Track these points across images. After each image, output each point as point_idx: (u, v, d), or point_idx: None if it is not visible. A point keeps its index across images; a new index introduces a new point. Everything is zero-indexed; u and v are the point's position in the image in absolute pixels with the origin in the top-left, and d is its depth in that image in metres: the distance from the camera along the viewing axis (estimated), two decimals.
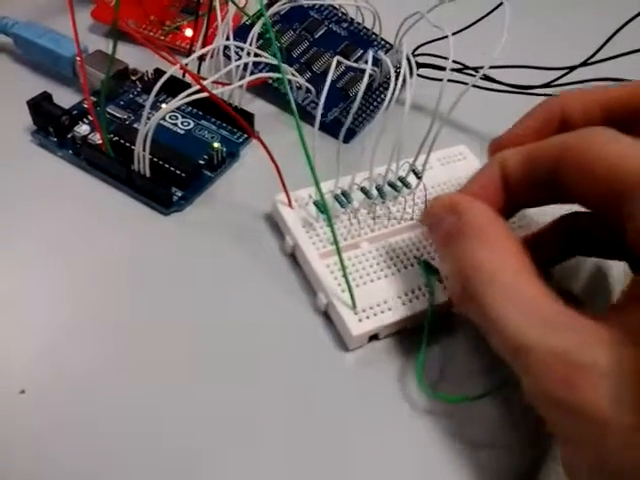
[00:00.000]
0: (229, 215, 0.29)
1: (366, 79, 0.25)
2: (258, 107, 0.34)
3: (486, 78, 0.33)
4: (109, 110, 0.32)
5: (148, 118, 0.26)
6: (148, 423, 0.22)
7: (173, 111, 0.33)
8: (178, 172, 0.29)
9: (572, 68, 0.33)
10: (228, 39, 0.31)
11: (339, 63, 0.32)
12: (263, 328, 0.25)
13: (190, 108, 0.33)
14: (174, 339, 0.25)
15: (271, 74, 0.31)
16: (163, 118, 0.32)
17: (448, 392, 0.24)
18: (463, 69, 0.34)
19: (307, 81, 0.33)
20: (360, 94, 0.25)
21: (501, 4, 0.27)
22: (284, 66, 0.30)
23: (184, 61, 0.27)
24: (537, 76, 0.33)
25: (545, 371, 0.18)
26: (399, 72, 0.26)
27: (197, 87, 0.26)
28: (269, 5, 0.35)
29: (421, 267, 0.26)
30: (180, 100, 0.26)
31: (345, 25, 0.37)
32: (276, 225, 0.28)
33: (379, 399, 0.24)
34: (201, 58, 0.33)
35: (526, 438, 0.23)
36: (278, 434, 0.23)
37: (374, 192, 0.28)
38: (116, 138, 0.30)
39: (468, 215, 0.22)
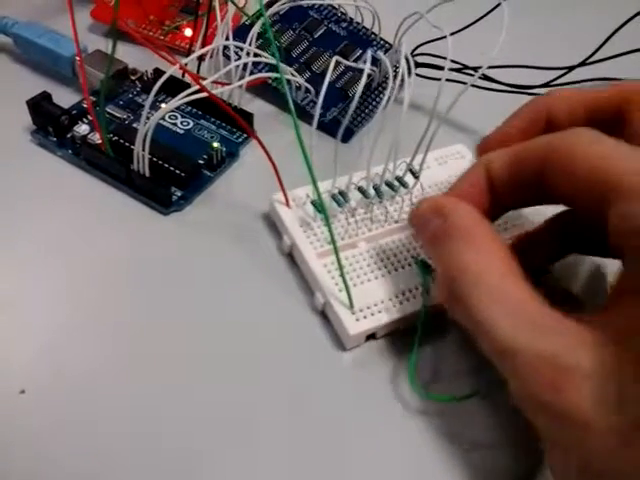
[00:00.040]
0: (228, 215, 0.29)
1: (364, 79, 0.25)
2: (257, 107, 0.34)
3: (485, 78, 0.34)
4: (108, 110, 0.32)
5: (147, 118, 0.26)
6: (147, 423, 0.22)
7: (172, 111, 0.33)
8: (177, 172, 0.29)
9: (571, 68, 0.33)
10: (228, 39, 0.31)
11: (338, 63, 0.32)
12: (261, 327, 0.25)
13: (189, 108, 0.33)
14: (173, 339, 0.25)
15: (270, 74, 0.31)
16: (162, 118, 0.32)
17: (441, 392, 0.24)
18: (462, 69, 0.34)
19: (306, 81, 0.33)
20: (358, 94, 0.25)
21: (499, 4, 0.27)
22: (283, 66, 0.30)
23: (183, 61, 0.27)
24: (536, 76, 0.33)
25: (531, 374, 0.18)
26: (398, 72, 0.26)
27: (196, 87, 0.26)
28: (269, 5, 0.35)
29: (418, 266, 0.26)
30: (179, 100, 0.26)
31: (344, 25, 0.38)
32: (274, 224, 0.29)
33: (377, 398, 0.24)
34: (200, 58, 0.33)
35: (521, 438, 0.23)
36: (275, 433, 0.23)
37: (371, 192, 0.28)
38: (115, 138, 0.30)
39: (454, 217, 0.22)
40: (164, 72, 0.27)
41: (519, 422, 0.20)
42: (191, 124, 0.32)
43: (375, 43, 0.38)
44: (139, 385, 0.23)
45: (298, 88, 0.33)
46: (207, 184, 0.30)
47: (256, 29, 0.31)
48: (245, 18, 0.36)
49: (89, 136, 0.30)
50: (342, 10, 0.38)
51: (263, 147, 0.27)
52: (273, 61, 0.24)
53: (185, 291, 0.26)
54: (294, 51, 0.35)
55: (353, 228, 0.27)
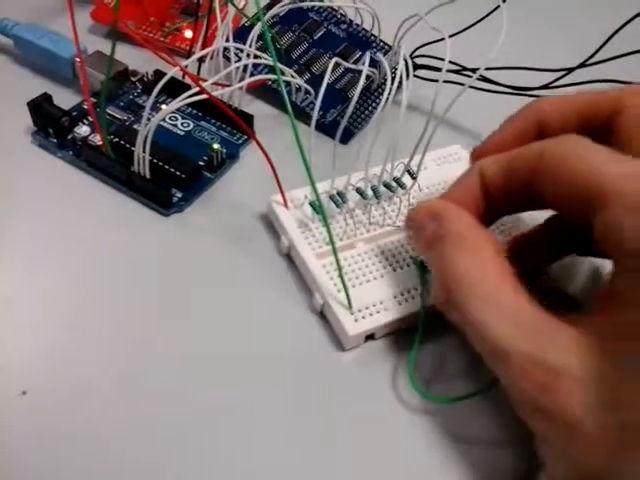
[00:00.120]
0: (228, 216, 0.29)
1: (362, 80, 0.25)
2: (258, 108, 0.34)
3: (484, 79, 0.34)
4: (109, 111, 0.32)
5: (148, 119, 0.27)
6: (147, 423, 0.22)
7: (173, 112, 0.33)
8: (178, 173, 0.30)
9: (570, 70, 0.33)
10: (228, 40, 0.31)
11: (337, 64, 0.32)
12: (259, 328, 0.25)
13: (190, 109, 0.33)
14: (172, 339, 0.25)
15: (270, 75, 0.31)
16: (163, 119, 0.32)
17: (440, 391, 0.24)
18: (461, 70, 0.34)
19: (306, 82, 0.33)
20: (356, 95, 0.25)
21: (498, 6, 0.27)
22: (283, 67, 0.30)
23: (184, 62, 0.27)
24: (535, 77, 0.33)
25: (522, 376, 0.19)
26: (396, 73, 0.26)
27: (197, 89, 0.26)
28: (269, 7, 0.35)
29: (417, 267, 0.26)
30: (180, 102, 0.26)
31: (344, 27, 0.38)
32: (272, 225, 0.29)
33: (375, 398, 0.24)
34: (201, 59, 0.33)
35: (520, 436, 0.23)
36: (274, 434, 0.23)
37: (369, 192, 0.28)
38: (116, 139, 0.30)
39: (448, 222, 0.22)
40: (164, 73, 0.27)
41: (518, 420, 0.20)
42: (191, 125, 0.33)
43: (374, 45, 0.38)
44: (139, 385, 0.23)
45: (298, 89, 0.33)
46: (207, 185, 0.30)
47: (256, 31, 0.31)
48: (245, 20, 0.36)
49: (90, 137, 0.30)
50: (342, 12, 0.38)
51: (262, 148, 0.27)
52: (272, 62, 0.24)
53: (185, 292, 0.26)
54: (294, 53, 0.36)
55: (351, 229, 0.27)
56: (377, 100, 0.35)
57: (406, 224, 0.25)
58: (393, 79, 0.26)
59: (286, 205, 0.28)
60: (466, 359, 0.25)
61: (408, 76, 0.27)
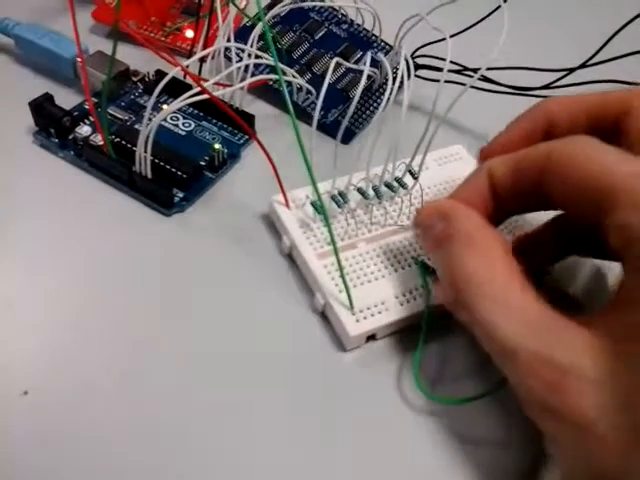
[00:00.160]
0: (229, 216, 0.29)
1: (364, 80, 0.25)
2: (259, 108, 0.34)
3: (485, 79, 0.34)
4: (110, 111, 0.32)
5: (149, 119, 0.27)
6: (147, 423, 0.22)
7: (174, 112, 0.33)
8: (179, 173, 0.30)
9: (571, 70, 0.33)
10: (229, 40, 0.31)
11: (338, 64, 0.32)
12: (260, 328, 0.25)
13: (191, 109, 0.33)
14: (174, 339, 0.25)
15: (271, 75, 0.31)
16: (164, 119, 0.32)
17: (444, 392, 0.24)
18: (462, 70, 0.34)
19: (308, 82, 0.33)
20: (357, 95, 0.25)
21: (499, 6, 0.27)
22: (284, 67, 0.30)
23: (185, 62, 0.27)
24: (536, 77, 0.33)
25: (531, 375, 0.19)
26: (397, 73, 0.26)
27: (198, 89, 0.26)
28: (270, 7, 0.35)
29: (418, 267, 0.26)
30: (181, 102, 0.26)
31: (345, 27, 0.38)
32: (274, 225, 0.29)
33: (376, 399, 0.24)
34: (202, 59, 0.33)
35: (525, 437, 0.23)
36: (276, 433, 0.23)
37: (371, 192, 0.28)
38: (117, 139, 0.30)
39: (457, 221, 0.22)
40: (166, 73, 0.27)
41: (526, 420, 0.20)
42: (193, 125, 0.33)
43: (376, 45, 0.38)
44: (141, 385, 0.23)
45: (299, 89, 0.33)
46: (208, 185, 0.30)
47: (257, 31, 0.31)
48: (246, 20, 0.36)
49: (91, 137, 0.30)
50: (343, 12, 0.38)
51: (263, 148, 0.27)
52: (273, 62, 0.24)
53: (186, 292, 0.26)
54: (295, 53, 0.36)
55: (353, 229, 0.27)
56: (378, 100, 0.35)
57: (413, 223, 0.25)
58: (394, 79, 0.26)
59: (287, 205, 0.28)
60: (469, 359, 0.25)
61: (409, 76, 0.27)
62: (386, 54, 0.37)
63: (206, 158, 0.31)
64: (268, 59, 0.31)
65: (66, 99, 0.32)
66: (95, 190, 0.30)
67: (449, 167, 0.31)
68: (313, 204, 0.27)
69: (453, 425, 0.23)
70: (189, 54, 0.35)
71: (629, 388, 0.17)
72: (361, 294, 0.25)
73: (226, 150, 0.31)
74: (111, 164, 0.29)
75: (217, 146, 0.31)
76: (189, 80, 0.33)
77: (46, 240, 0.27)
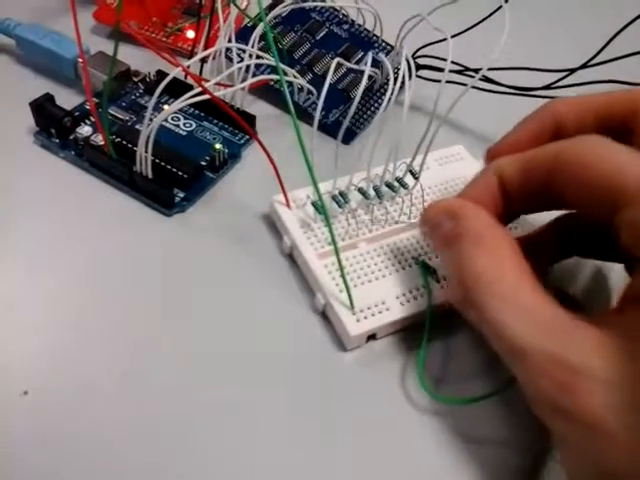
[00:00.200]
0: (230, 216, 0.29)
1: (365, 80, 0.25)
2: (260, 108, 0.34)
3: (486, 79, 0.34)
4: (111, 111, 0.32)
5: (150, 119, 0.27)
6: (148, 423, 0.22)
7: (175, 112, 0.33)
8: (180, 173, 0.30)
9: (572, 70, 0.33)
10: (230, 41, 0.31)
11: (339, 65, 0.32)
12: (261, 328, 0.25)
13: (192, 109, 0.33)
14: (174, 338, 0.25)
15: (272, 76, 0.31)
16: (165, 119, 0.32)
17: (448, 391, 0.24)
18: (463, 71, 0.34)
19: (309, 83, 0.33)
20: (358, 95, 0.25)
21: (501, 6, 0.27)
22: (286, 68, 0.30)
23: (186, 63, 0.27)
24: (538, 78, 0.33)
25: (542, 375, 0.18)
26: (399, 74, 0.26)
27: (199, 89, 0.26)
28: (271, 7, 0.35)
29: (419, 267, 0.26)
30: (182, 102, 0.26)
31: (346, 27, 0.38)
32: (275, 225, 0.29)
33: (377, 399, 0.24)
34: (203, 60, 0.33)
35: (529, 436, 0.23)
36: (276, 434, 0.23)
37: (372, 192, 0.28)
38: (118, 139, 0.30)
39: (466, 220, 0.22)
40: (167, 74, 0.27)
41: (529, 420, 0.20)
42: (193, 126, 0.33)
43: (377, 45, 0.38)
44: (142, 385, 0.23)
45: (300, 90, 0.33)
46: (209, 185, 0.30)
47: (258, 31, 0.31)
48: (247, 20, 0.36)
49: (92, 137, 0.30)
50: (344, 12, 0.38)
51: (264, 148, 0.27)
52: (274, 63, 0.24)
53: (187, 292, 0.26)
54: (296, 53, 0.36)
55: (353, 229, 0.27)
56: (379, 100, 0.35)
57: (421, 222, 0.25)
58: (395, 79, 0.26)
59: (288, 205, 0.28)
60: (472, 359, 0.25)
61: (410, 76, 0.27)
62: (387, 54, 0.37)
63: (207, 158, 0.31)
64: (269, 59, 0.31)
65: (67, 99, 0.32)
66: (96, 190, 0.30)
67: (450, 167, 0.31)
68: (314, 204, 0.27)
69: (457, 424, 0.23)
70: (190, 54, 0.35)
71: (634, 386, 0.17)
72: (362, 294, 0.25)
73: (227, 150, 0.31)
74: (112, 164, 0.29)
75: (218, 146, 0.31)
76: (190, 80, 0.33)
77: (47, 240, 0.27)
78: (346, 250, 0.27)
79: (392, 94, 0.26)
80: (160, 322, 0.25)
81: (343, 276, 0.25)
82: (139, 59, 0.34)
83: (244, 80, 0.30)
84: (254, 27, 0.32)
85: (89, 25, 0.38)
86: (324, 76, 0.34)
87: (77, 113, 0.32)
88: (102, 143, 0.30)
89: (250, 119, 0.32)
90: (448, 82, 0.27)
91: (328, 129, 0.33)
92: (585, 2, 0.45)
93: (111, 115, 0.32)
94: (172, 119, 0.33)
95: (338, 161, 0.26)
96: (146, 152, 0.27)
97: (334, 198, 0.27)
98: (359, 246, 0.27)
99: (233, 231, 0.29)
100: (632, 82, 0.32)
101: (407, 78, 0.27)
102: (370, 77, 0.34)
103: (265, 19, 0.25)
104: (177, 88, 0.30)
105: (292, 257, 0.28)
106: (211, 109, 0.33)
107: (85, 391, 0.23)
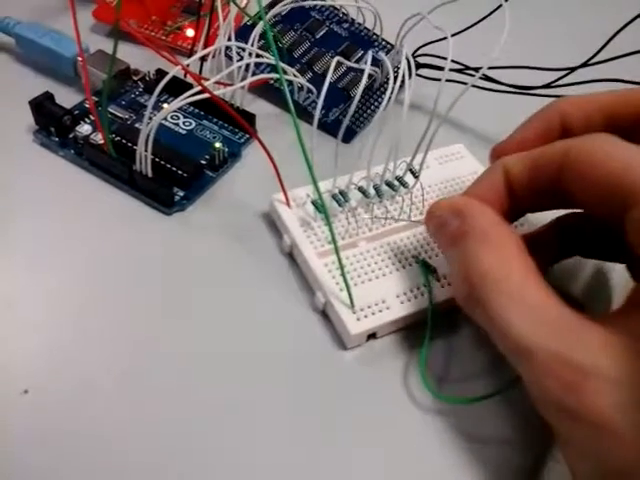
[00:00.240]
0: (230, 215, 0.29)
1: (364, 79, 0.25)
2: (260, 107, 0.34)
3: (486, 78, 0.34)
4: (111, 110, 0.32)
5: (150, 118, 0.26)
6: (149, 422, 0.22)
7: (175, 111, 0.33)
8: (180, 172, 0.29)
9: (573, 69, 0.33)
10: (230, 39, 0.31)
11: (339, 63, 0.32)
12: (261, 327, 0.25)
13: (192, 108, 0.33)
14: (175, 338, 0.25)
15: (272, 75, 0.31)
16: (165, 118, 0.32)
17: (450, 390, 0.24)
18: (463, 69, 0.34)
19: (308, 81, 0.33)
20: (358, 94, 0.25)
21: (501, 5, 0.27)
22: (285, 66, 0.30)
23: (186, 61, 0.27)
24: (538, 76, 0.33)
25: (548, 374, 0.18)
26: (399, 72, 0.26)
27: (199, 88, 0.26)
28: (271, 6, 0.35)
29: (420, 266, 0.26)
30: (182, 101, 0.26)
31: (346, 26, 0.38)
32: (275, 224, 0.29)
33: (378, 398, 0.24)
34: (203, 58, 0.33)
35: (532, 436, 0.23)
36: (276, 433, 0.23)
37: (372, 191, 0.28)
38: (118, 138, 0.30)
39: (472, 218, 0.22)
40: (166, 72, 0.27)
41: (531, 419, 0.20)
42: (193, 124, 0.33)
43: (377, 44, 0.38)
44: (142, 384, 0.23)
45: (300, 88, 0.33)
46: (209, 184, 0.30)
47: (258, 30, 0.31)
48: (247, 18, 0.36)
49: (91, 136, 0.30)
50: (344, 11, 0.38)
51: (264, 147, 0.27)
52: (274, 61, 0.24)
53: (187, 291, 0.26)
54: (296, 52, 0.36)
55: (353, 228, 0.27)
56: (379, 99, 0.35)
57: (426, 220, 0.25)
58: (395, 78, 0.26)
59: (288, 204, 0.28)
60: (474, 358, 0.25)
61: (410, 75, 0.27)
62: (387, 53, 0.36)
63: (207, 157, 0.31)
64: (269, 58, 0.31)
65: (66, 98, 0.32)
66: (95, 189, 0.30)
67: (450, 166, 0.31)
68: (314, 203, 0.27)
69: (459, 424, 0.23)
70: (190, 53, 0.35)
71: None
72: (362, 293, 0.25)
73: (227, 149, 0.31)
74: (111, 163, 0.29)
75: (218, 145, 0.31)
76: (190, 79, 0.33)
77: (46, 239, 0.27)
78: (346, 249, 0.27)
79: (392, 93, 0.26)
80: (160, 321, 0.25)
81: (343, 275, 0.24)
82: (139, 58, 0.34)
83: (244, 79, 0.30)
84: (254, 25, 0.32)
85: (89, 24, 0.38)
86: (324, 75, 0.34)
87: (77, 112, 0.32)
88: (102, 142, 0.30)
89: (250, 118, 0.32)
90: (448, 81, 0.27)
91: (328, 128, 0.33)
92: (585, 1, 0.45)
93: (111, 114, 0.32)
94: (172, 118, 0.33)
95: (338, 160, 0.26)
96: (146, 151, 0.27)
97: (334, 197, 0.27)
98: (359, 245, 0.27)
99: (233, 230, 0.29)
100: (633, 81, 0.32)
101: (407, 77, 0.27)
102: (370, 76, 0.34)
103: (265, 17, 0.25)
104: (177, 87, 0.30)
105: (292, 256, 0.28)
106: (211, 108, 0.33)
107: (85, 390, 0.23)
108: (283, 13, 0.36)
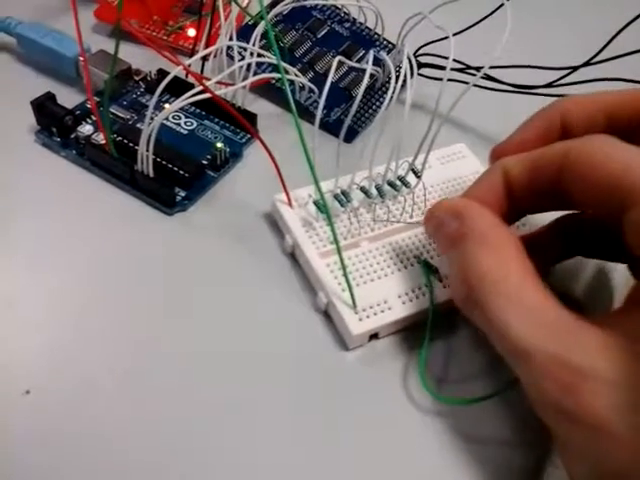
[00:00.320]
0: (232, 215, 0.29)
1: (366, 79, 0.25)
2: (261, 107, 0.34)
3: (488, 78, 0.34)
4: (112, 110, 0.32)
5: (151, 118, 0.26)
6: (150, 421, 0.22)
7: (176, 111, 0.33)
8: (181, 172, 0.29)
9: (575, 68, 0.33)
10: (231, 39, 0.31)
11: (341, 63, 0.32)
12: (263, 327, 0.25)
13: (193, 108, 0.33)
14: (176, 337, 0.25)
15: (274, 74, 0.31)
16: (166, 118, 0.32)
17: (450, 391, 0.24)
18: (465, 69, 0.34)
19: (310, 81, 0.33)
20: (360, 94, 0.25)
21: (502, 4, 0.27)
22: (287, 66, 0.30)
23: (187, 61, 0.27)
24: (539, 76, 0.33)
25: (545, 376, 0.18)
26: (400, 72, 0.26)
27: (200, 88, 0.26)
28: (272, 5, 0.35)
29: (421, 266, 0.26)
30: (183, 101, 0.26)
31: (347, 25, 0.38)
32: (276, 224, 0.29)
33: (379, 398, 0.24)
34: (204, 58, 0.33)
35: (531, 437, 0.23)
36: (278, 433, 0.23)
37: (373, 191, 0.28)
38: (119, 138, 0.30)
39: (471, 220, 0.22)
40: (168, 72, 0.27)
41: (530, 421, 0.20)
42: (195, 124, 0.33)
43: (378, 43, 0.38)
44: (143, 384, 0.23)
45: (302, 88, 0.33)
46: (211, 184, 0.30)
47: (260, 29, 0.31)
48: (248, 18, 0.36)
49: (93, 136, 0.30)
50: (345, 10, 0.38)
51: (265, 147, 0.27)
52: (276, 61, 0.24)
53: (188, 291, 0.26)
54: (297, 51, 0.35)
55: (355, 228, 0.27)
56: (381, 99, 0.35)
57: (425, 222, 0.25)
58: (397, 78, 0.26)
59: (290, 204, 0.28)
60: (474, 359, 0.25)
61: (412, 75, 0.27)
62: (389, 52, 0.36)
63: (208, 157, 0.31)
64: (270, 58, 0.31)
65: (68, 98, 0.32)
66: (97, 189, 0.30)
67: (452, 166, 0.31)
68: (316, 203, 0.27)
69: (459, 424, 0.23)
70: (191, 53, 0.35)
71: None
72: (364, 293, 0.25)
73: (228, 149, 0.31)
74: (113, 163, 0.29)
75: (219, 145, 0.31)
76: (191, 79, 0.33)
77: (48, 239, 0.27)
78: (348, 249, 0.26)
79: (394, 92, 0.26)
80: (161, 321, 0.25)
81: (345, 275, 0.24)
82: (140, 58, 0.34)
83: (245, 78, 0.30)
84: (255, 25, 0.32)
85: (90, 24, 0.38)
86: (325, 74, 0.34)
87: (78, 112, 0.32)
88: (103, 142, 0.30)
89: (251, 118, 0.32)
90: (450, 80, 0.27)
91: (330, 128, 0.33)
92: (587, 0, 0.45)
93: (112, 114, 0.32)
94: (173, 118, 0.33)
95: (340, 160, 0.26)
96: (147, 151, 0.27)
97: (336, 197, 0.27)
98: (361, 245, 0.27)
99: (235, 230, 0.29)
100: (635, 80, 0.32)
101: (409, 76, 0.27)
102: (372, 75, 0.34)
103: (266, 17, 0.25)
104: (178, 87, 0.30)
105: (294, 256, 0.28)
106: (212, 108, 0.33)
107: (86, 390, 0.23)
108: (284, 13, 0.36)
